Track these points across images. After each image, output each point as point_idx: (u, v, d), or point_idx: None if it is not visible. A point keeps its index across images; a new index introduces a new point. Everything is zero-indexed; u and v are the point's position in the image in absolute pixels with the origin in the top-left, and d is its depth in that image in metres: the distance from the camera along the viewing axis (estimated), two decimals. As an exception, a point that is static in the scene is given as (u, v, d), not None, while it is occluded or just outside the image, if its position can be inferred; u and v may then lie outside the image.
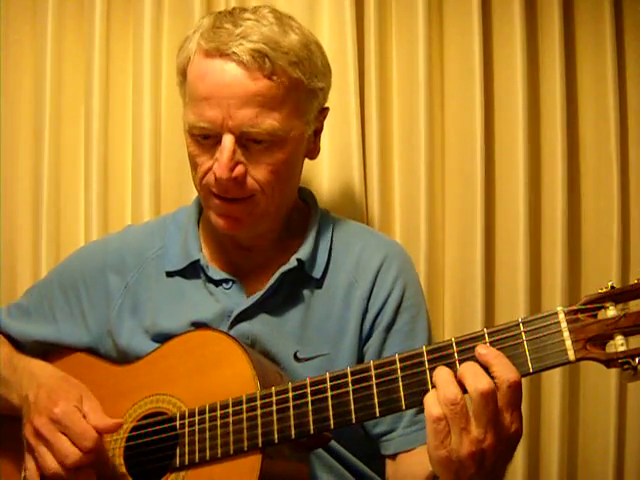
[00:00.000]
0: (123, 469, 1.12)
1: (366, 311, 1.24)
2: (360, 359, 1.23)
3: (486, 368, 0.89)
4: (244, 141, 1.14)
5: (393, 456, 1.22)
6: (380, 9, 1.63)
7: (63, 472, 1.06)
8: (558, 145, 1.66)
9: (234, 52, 1.10)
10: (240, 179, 1.15)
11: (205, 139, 1.15)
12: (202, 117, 1.13)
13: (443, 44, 1.70)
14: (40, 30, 1.61)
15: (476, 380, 0.87)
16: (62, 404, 1.10)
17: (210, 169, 1.16)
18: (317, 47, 1.21)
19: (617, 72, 1.68)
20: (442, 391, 0.88)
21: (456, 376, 0.89)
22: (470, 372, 0.88)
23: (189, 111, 1.16)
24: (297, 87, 1.15)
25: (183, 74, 1.19)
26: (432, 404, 0.89)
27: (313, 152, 1.27)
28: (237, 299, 1.23)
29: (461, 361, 0.91)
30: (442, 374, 0.90)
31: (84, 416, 1.09)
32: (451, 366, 0.91)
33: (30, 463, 1.11)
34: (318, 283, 1.25)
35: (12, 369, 1.25)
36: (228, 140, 1.12)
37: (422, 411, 0.91)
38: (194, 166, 1.19)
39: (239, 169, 1.14)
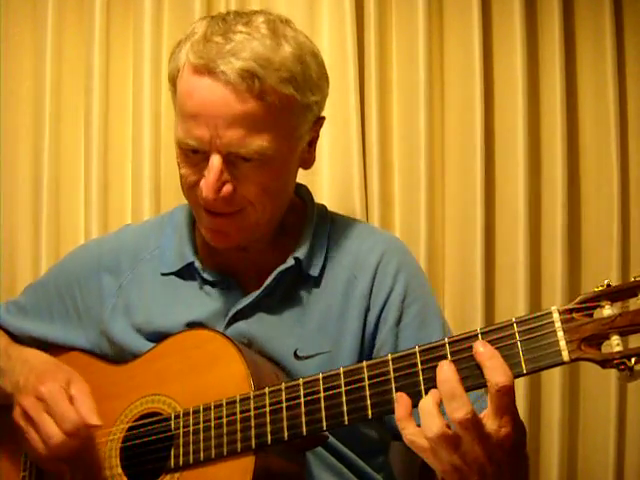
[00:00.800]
0: (119, 470, 1.12)
1: (368, 308, 1.22)
2: (363, 357, 1.21)
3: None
4: (232, 158, 1.10)
5: None
6: (380, 7, 1.64)
7: (49, 454, 1.07)
8: (558, 145, 1.66)
9: (222, 71, 1.06)
10: (228, 197, 1.12)
11: (194, 153, 1.12)
12: (190, 134, 1.10)
13: (443, 42, 1.70)
14: (40, 27, 1.62)
15: (454, 409, 0.85)
16: (49, 384, 1.10)
17: (197, 184, 1.13)
18: (312, 58, 1.15)
19: (617, 69, 1.68)
20: (427, 425, 0.86)
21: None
22: (447, 396, 0.86)
23: (178, 125, 1.13)
24: (289, 104, 1.11)
25: (174, 84, 1.16)
26: (418, 436, 0.88)
27: (308, 162, 1.24)
28: (234, 299, 1.21)
29: (454, 362, 0.89)
30: (426, 407, 0.87)
31: (71, 398, 1.09)
32: None
33: (26, 447, 1.11)
34: (316, 281, 1.23)
35: (6, 357, 1.25)
36: (216, 160, 1.09)
37: None
38: (181, 176, 1.17)
39: (227, 188, 1.11)
